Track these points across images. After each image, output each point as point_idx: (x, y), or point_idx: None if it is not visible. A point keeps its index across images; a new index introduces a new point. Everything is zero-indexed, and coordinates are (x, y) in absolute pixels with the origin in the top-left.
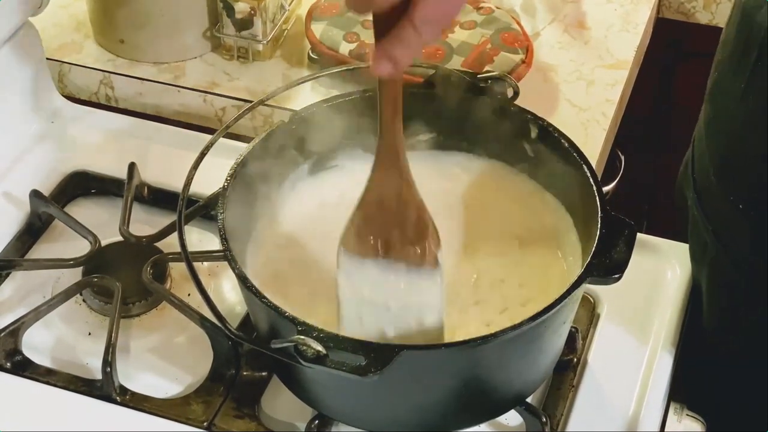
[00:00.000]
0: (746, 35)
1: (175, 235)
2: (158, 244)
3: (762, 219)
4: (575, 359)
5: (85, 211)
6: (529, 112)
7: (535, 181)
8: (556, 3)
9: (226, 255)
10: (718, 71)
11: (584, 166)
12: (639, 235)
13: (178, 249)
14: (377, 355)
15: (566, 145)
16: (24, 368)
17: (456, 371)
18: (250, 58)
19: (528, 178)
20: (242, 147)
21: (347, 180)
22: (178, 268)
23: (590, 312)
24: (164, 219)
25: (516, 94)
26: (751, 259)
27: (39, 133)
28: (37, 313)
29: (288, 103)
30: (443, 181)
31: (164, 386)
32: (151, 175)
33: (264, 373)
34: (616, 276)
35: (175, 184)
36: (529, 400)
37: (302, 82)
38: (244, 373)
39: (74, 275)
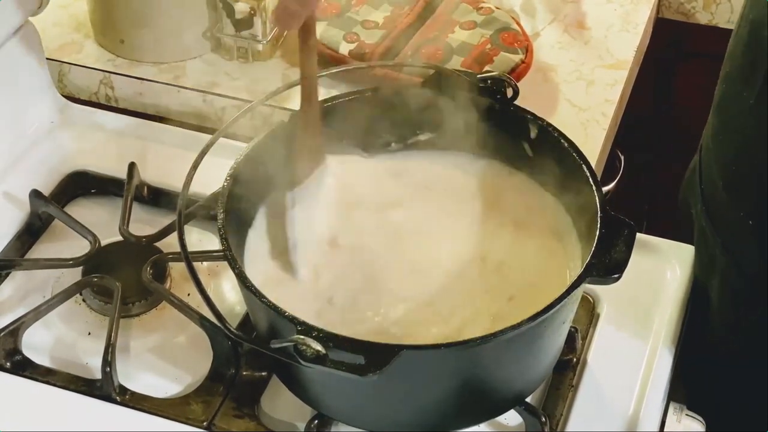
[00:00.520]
0: (755, 50)
1: (174, 235)
2: (158, 244)
3: None
4: (575, 359)
5: (84, 210)
6: (528, 112)
7: (535, 181)
8: (556, 3)
9: (226, 255)
10: (726, 84)
11: (584, 166)
12: (639, 235)
13: (178, 249)
14: (377, 354)
15: (566, 145)
16: (24, 368)
17: (455, 371)
18: (250, 58)
19: (528, 177)
20: (242, 147)
21: (347, 180)
22: (177, 268)
23: (590, 312)
24: (164, 219)
25: (516, 94)
26: (761, 272)
27: (39, 133)
28: (36, 313)
29: (288, 103)
30: (443, 181)
31: (164, 386)
32: (150, 175)
33: (264, 373)
34: (616, 276)
35: (175, 184)
36: (528, 399)
37: None
38: (244, 373)
39: (74, 275)
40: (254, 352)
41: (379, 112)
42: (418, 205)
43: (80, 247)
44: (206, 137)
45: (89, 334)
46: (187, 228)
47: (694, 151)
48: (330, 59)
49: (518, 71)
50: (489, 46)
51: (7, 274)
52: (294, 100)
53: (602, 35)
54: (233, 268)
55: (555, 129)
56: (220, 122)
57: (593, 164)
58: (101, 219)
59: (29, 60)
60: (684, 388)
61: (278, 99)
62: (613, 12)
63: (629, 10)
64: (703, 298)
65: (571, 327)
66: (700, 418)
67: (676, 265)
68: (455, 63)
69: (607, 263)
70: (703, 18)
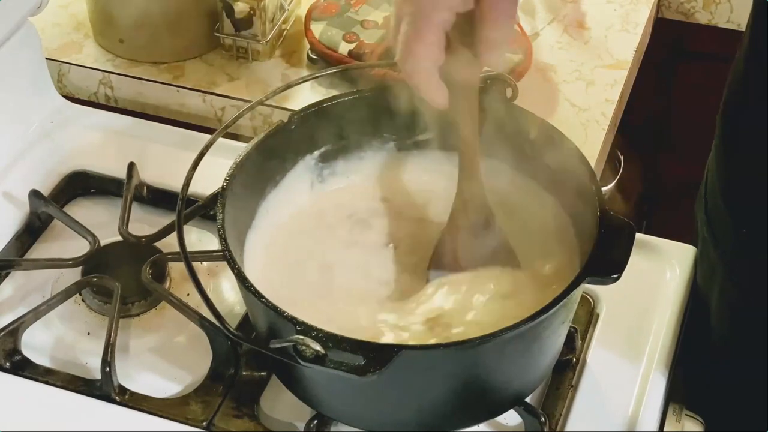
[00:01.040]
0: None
1: (174, 235)
2: (157, 244)
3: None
4: (574, 359)
5: (84, 211)
6: (528, 112)
7: (535, 182)
8: (555, 3)
9: (225, 255)
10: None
11: (584, 166)
12: (638, 235)
13: (178, 249)
14: (376, 354)
15: (565, 145)
16: (23, 368)
17: (455, 371)
18: (250, 58)
19: (527, 178)
20: (242, 147)
21: (346, 180)
22: (177, 268)
23: (589, 312)
24: (163, 219)
25: (515, 94)
26: (756, 286)
27: (38, 133)
28: (36, 313)
29: (287, 103)
30: (443, 181)
31: (163, 386)
32: (150, 175)
33: (263, 373)
34: (615, 276)
35: (175, 184)
36: (528, 400)
37: (302, 82)
38: (244, 373)
39: (73, 275)
40: (254, 352)
41: (379, 112)
42: (418, 206)
43: (80, 247)
44: (206, 137)
45: (89, 334)
46: (186, 228)
47: (694, 150)
48: (330, 59)
49: (518, 71)
50: None
51: (7, 274)
52: (294, 100)
53: (602, 35)
54: (232, 268)
55: (555, 129)
56: (220, 122)
57: (593, 164)
58: (101, 219)
59: (29, 60)
60: (684, 388)
61: (278, 99)
62: (613, 12)
63: (629, 10)
64: (704, 307)
65: (570, 327)
66: (700, 418)
67: (676, 265)
68: None
69: (606, 263)
70: (702, 18)
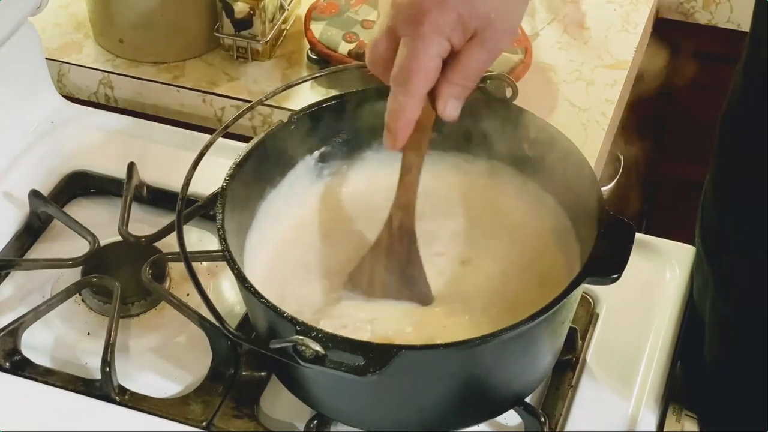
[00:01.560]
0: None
1: (174, 235)
2: (157, 244)
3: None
4: (574, 359)
5: (84, 211)
6: (528, 112)
7: (534, 182)
8: (555, 3)
9: (225, 255)
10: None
11: (583, 167)
12: (638, 235)
13: (178, 249)
14: (376, 355)
15: (566, 145)
16: (23, 368)
17: (455, 371)
18: (250, 58)
19: (527, 178)
20: (242, 147)
21: (346, 180)
22: (177, 268)
23: (589, 312)
24: (163, 219)
25: (515, 94)
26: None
27: (38, 133)
28: (36, 313)
29: (287, 103)
30: (442, 181)
31: (163, 386)
32: (150, 175)
33: (263, 373)
34: (615, 276)
35: (175, 184)
36: (527, 400)
37: (301, 82)
38: (243, 373)
39: (73, 275)
40: (253, 352)
41: (379, 112)
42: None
43: (79, 247)
44: (206, 137)
45: (88, 334)
46: (186, 228)
47: (694, 150)
48: (329, 59)
49: (517, 71)
50: None
51: (7, 274)
52: (293, 100)
53: (602, 35)
54: (232, 268)
55: (555, 129)
56: (220, 122)
57: (593, 164)
58: (100, 219)
59: (29, 60)
60: (684, 388)
61: (278, 99)
62: (613, 12)
63: (629, 10)
64: (698, 320)
65: (570, 327)
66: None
67: (676, 265)
68: None
69: (606, 263)
70: (702, 18)
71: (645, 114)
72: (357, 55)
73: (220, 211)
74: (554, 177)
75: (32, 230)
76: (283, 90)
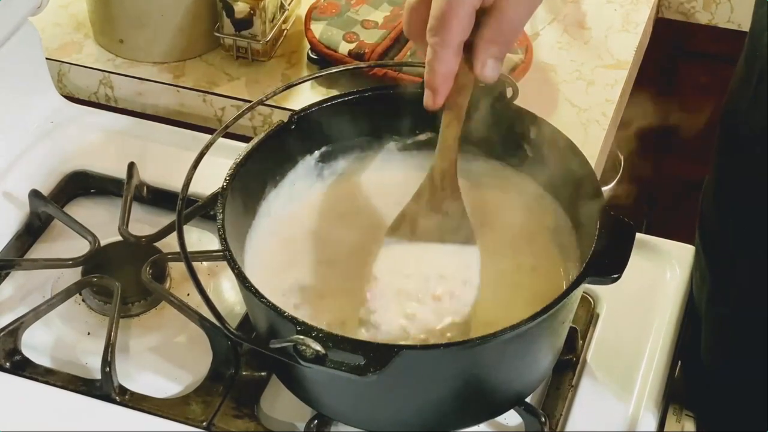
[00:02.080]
0: (752, 58)
1: (174, 235)
2: (157, 244)
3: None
4: (574, 359)
5: (84, 210)
6: (528, 112)
7: (535, 182)
8: (556, 3)
9: (225, 255)
10: (726, 99)
11: (584, 167)
12: (638, 235)
13: (178, 249)
14: (376, 354)
15: (566, 145)
16: (23, 368)
17: (455, 371)
18: (250, 58)
19: (528, 178)
20: (242, 147)
21: (346, 180)
22: (177, 268)
23: (589, 312)
24: (163, 219)
25: (515, 94)
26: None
27: (38, 133)
28: (36, 313)
29: (287, 103)
30: None
31: (163, 386)
32: (150, 174)
33: (263, 373)
34: (615, 276)
35: (175, 183)
36: (528, 399)
37: (302, 82)
38: (244, 373)
39: (74, 275)
40: (254, 352)
41: (379, 112)
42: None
43: (80, 247)
44: (206, 137)
45: (89, 334)
46: (186, 228)
47: (694, 150)
48: (330, 59)
49: (518, 71)
50: None
51: (7, 274)
52: (294, 100)
53: (602, 35)
54: (233, 268)
55: (555, 129)
56: (220, 122)
57: (593, 164)
58: (101, 219)
59: (29, 60)
60: (684, 388)
61: (278, 99)
62: (613, 12)
63: (629, 10)
64: (698, 320)
65: (570, 327)
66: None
67: (676, 265)
68: None
69: (606, 263)
70: (703, 18)
71: (645, 114)
72: (357, 55)
73: (221, 211)
74: (555, 177)
75: (32, 230)
76: (283, 90)
